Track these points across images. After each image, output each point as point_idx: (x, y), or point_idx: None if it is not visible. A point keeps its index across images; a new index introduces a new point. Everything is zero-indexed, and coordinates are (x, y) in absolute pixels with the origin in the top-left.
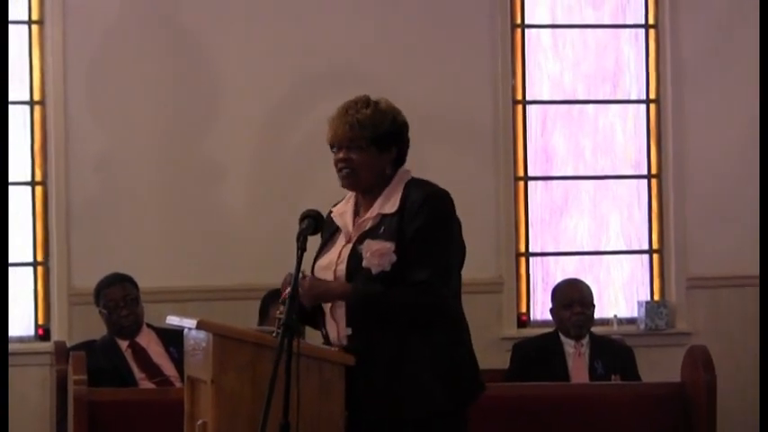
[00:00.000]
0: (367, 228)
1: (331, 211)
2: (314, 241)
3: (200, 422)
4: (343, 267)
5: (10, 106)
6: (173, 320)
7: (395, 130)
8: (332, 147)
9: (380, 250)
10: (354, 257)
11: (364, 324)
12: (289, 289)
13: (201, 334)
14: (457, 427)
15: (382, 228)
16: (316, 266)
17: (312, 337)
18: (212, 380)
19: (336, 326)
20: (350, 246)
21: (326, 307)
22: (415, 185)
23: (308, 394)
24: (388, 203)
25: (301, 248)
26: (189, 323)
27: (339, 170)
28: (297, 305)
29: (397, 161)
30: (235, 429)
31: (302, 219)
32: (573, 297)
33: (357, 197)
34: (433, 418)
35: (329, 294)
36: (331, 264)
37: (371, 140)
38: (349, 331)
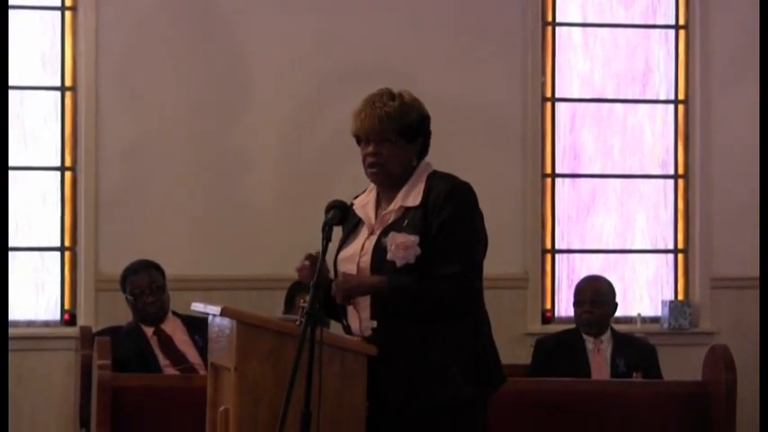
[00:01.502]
0: (390, 221)
1: (352, 203)
2: (338, 233)
3: (222, 408)
4: (366, 259)
5: (41, 92)
6: (197, 307)
7: (421, 121)
8: (358, 140)
9: (405, 243)
10: (379, 250)
11: (394, 315)
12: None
13: (225, 321)
14: (476, 416)
15: (406, 221)
16: (338, 258)
17: (335, 327)
18: (235, 367)
19: (358, 316)
20: (373, 238)
21: None
22: (437, 178)
23: (330, 383)
24: (411, 196)
25: (327, 238)
26: (213, 310)
27: (369, 165)
28: (320, 294)
29: (421, 153)
30: (257, 417)
31: (328, 209)
32: (585, 295)
33: (379, 189)
34: (455, 408)
35: (362, 288)
36: (354, 255)
37: (400, 133)
38: (374, 324)
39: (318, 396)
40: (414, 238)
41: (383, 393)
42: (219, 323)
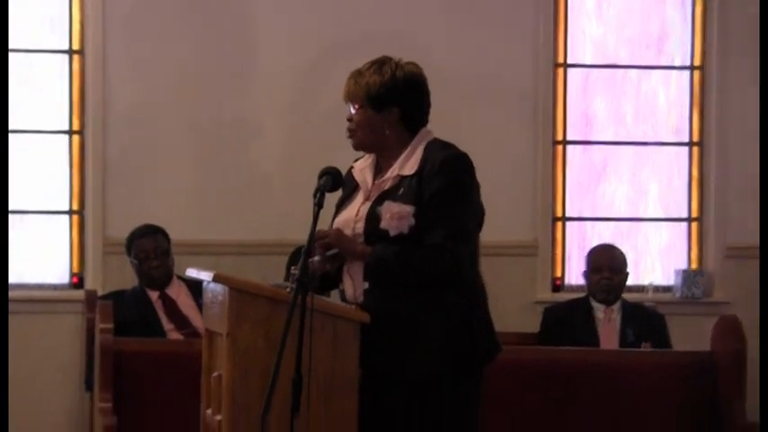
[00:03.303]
0: (386, 188)
1: (352, 167)
2: (332, 198)
3: (215, 374)
4: (361, 225)
5: (49, 55)
6: (191, 273)
7: (391, 88)
8: None
9: (400, 213)
10: (373, 217)
11: (380, 283)
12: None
13: (218, 287)
14: (468, 386)
15: (401, 189)
16: (335, 222)
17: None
18: (228, 333)
19: (353, 282)
20: (368, 204)
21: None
22: (434, 148)
23: (322, 350)
24: (408, 164)
25: (318, 205)
26: (206, 276)
27: (347, 129)
28: (311, 261)
29: (406, 120)
30: (248, 383)
31: (321, 176)
32: (602, 262)
33: (377, 155)
34: (445, 378)
35: (348, 253)
36: (349, 221)
37: (366, 100)
38: (366, 285)
39: (309, 363)
40: (409, 209)
41: (373, 361)
42: (213, 289)
